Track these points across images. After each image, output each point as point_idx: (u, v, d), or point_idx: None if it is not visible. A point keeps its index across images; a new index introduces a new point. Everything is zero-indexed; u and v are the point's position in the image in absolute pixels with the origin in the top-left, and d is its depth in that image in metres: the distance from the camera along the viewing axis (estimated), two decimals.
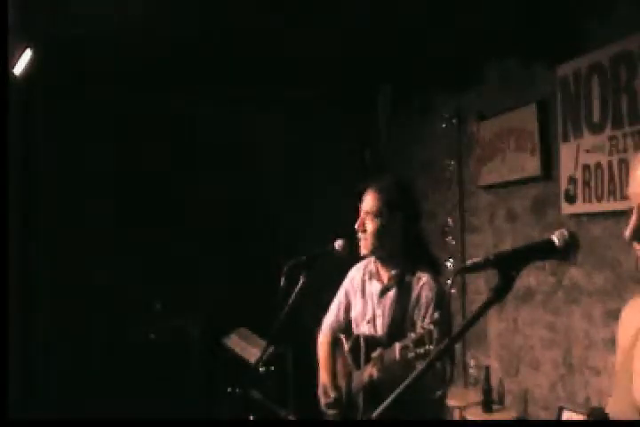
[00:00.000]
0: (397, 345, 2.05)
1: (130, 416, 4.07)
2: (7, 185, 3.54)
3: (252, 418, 2.81)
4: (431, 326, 1.97)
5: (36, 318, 4.71)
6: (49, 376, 4.70)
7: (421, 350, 1.95)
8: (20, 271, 4.48)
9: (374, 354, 2.21)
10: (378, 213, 2.38)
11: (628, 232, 1.25)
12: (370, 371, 2.21)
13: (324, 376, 2.56)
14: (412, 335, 2.01)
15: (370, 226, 2.39)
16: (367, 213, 2.40)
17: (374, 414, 1.25)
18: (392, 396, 1.24)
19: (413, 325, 2.29)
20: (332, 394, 2.46)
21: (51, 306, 4.75)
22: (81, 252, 4.88)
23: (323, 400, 2.51)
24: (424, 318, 2.28)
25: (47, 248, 4.83)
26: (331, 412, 2.47)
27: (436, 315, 2.17)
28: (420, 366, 2.03)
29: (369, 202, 2.41)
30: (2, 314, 3.54)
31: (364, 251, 2.43)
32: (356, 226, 2.42)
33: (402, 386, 1.25)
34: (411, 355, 1.98)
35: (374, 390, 2.20)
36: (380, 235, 2.38)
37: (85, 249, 4.89)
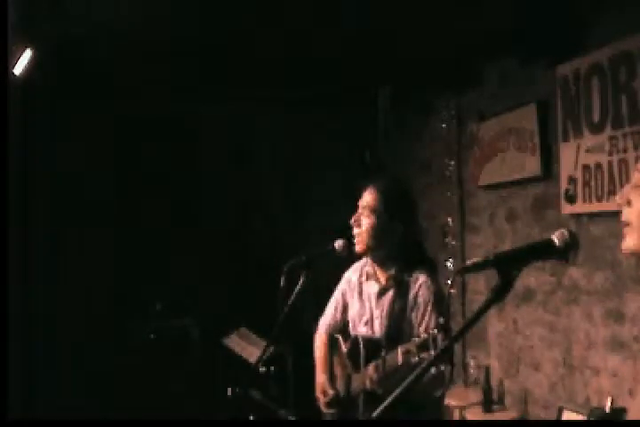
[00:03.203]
0: (400, 349, 2.02)
1: (130, 416, 4.07)
2: (7, 186, 3.54)
3: (251, 418, 2.81)
4: (436, 331, 1.94)
5: (36, 318, 4.71)
6: (49, 376, 4.69)
7: (424, 355, 1.93)
8: (20, 271, 4.48)
9: (374, 363, 2.20)
10: (374, 210, 2.36)
11: (619, 196, 1.27)
12: (370, 375, 2.19)
13: (320, 377, 2.55)
14: (416, 340, 1.97)
15: (365, 221, 2.37)
16: (364, 208, 2.39)
17: (374, 414, 1.25)
18: (392, 396, 1.24)
19: (411, 326, 2.28)
20: (331, 392, 2.45)
21: (51, 306, 4.75)
22: (81, 251, 4.88)
23: (322, 399, 2.50)
24: (422, 318, 2.27)
25: (47, 248, 4.83)
26: (330, 411, 2.47)
27: (441, 320, 2.15)
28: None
29: (367, 198, 2.40)
30: (2, 314, 3.54)
31: (357, 248, 2.40)
32: (351, 220, 2.41)
33: (401, 386, 1.25)
34: (414, 360, 1.95)
35: (375, 394, 2.19)
36: (374, 232, 2.36)
37: (86, 249, 4.89)
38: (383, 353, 2.17)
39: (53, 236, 4.85)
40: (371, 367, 2.20)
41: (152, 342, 4.75)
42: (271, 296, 2.32)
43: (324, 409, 2.50)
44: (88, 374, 4.70)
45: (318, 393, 2.52)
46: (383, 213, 2.36)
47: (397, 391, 1.24)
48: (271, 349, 2.50)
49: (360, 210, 2.41)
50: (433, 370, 1.80)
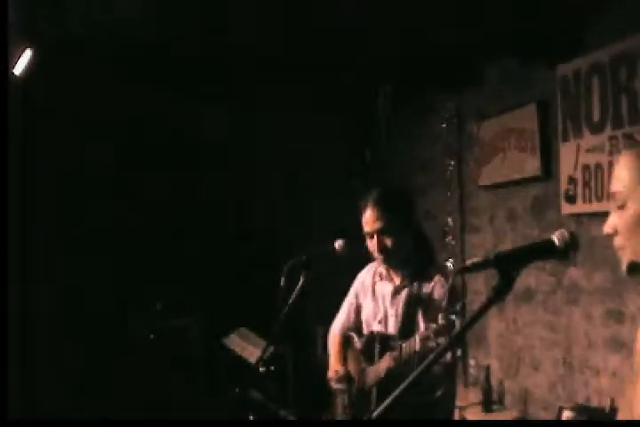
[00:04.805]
0: (418, 336, 2.09)
1: (130, 416, 4.07)
2: (7, 185, 3.53)
3: (251, 418, 2.82)
4: (453, 317, 2.00)
5: (36, 318, 4.70)
6: (49, 376, 4.69)
7: (442, 341, 1.98)
8: (20, 270, 4.48)
9: (390, 353, 2.24)
10: (387, 229, 2.38)
11: (606, 227, 1.26)
12: (387, 362, 2.25)
13: (334, 363, 2.62)
14: (433, 326, 2.05)
15: (388, 242, 2.39)
16: (378, 232, 2.40)
17: (375, 414, 1.24)
18: (392, 395, 1.24)
19: (426, 324, 2.31)
20: (341, 370, 2.52)
21: (51, 306, 4.75)
22: (82, 251, 4.88)
23: (332, 376, 2.56)
24: (437, 315, 2.30)
25: (47, 247, 4.83)
26: (338, 386, 2.52)
27: (458, 306, 2.19)
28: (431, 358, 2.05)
29: (377, 221, 2.40)
30: (2, 314, 3.54)
31: (384, 264, 2.47)
32: (377, 251, 2.41)
33: (403, 385, 1.24)
34: (432, 344, 2.02)
35: (389, 383, 2.21)
36: (399, 247, 2.40)
37: (86, 249, 4.89)
38: (400, 343, 2.21)
39: (53, 235, 4.85)
40: (387, 357, 2.26)
41: (152, 342, 4.75)
42: (271, 296, 2.32)
43: (334, 386, 2.54)
44: (88, 375, 4.70)
45: (330, 373, 2.58)
46: (395, 226, 2.39)
47: (398, 390, 1.24)
48: (271, 349, 2.51)
49: (376, 236, 2.40)
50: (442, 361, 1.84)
